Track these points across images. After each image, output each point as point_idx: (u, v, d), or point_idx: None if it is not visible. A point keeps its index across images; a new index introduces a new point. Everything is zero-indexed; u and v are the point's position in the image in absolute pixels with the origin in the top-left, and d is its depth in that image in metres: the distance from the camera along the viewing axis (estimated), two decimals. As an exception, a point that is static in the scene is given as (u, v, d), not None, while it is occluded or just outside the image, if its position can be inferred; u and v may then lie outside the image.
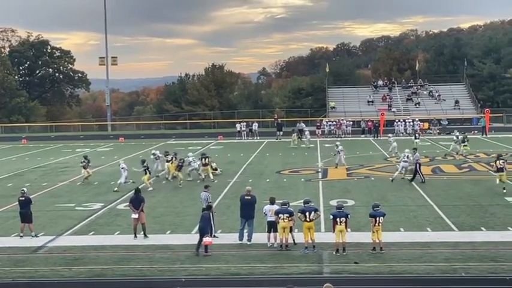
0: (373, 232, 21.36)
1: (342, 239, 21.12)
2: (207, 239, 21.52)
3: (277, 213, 22.03)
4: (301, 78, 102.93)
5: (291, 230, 22.14)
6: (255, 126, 68.15)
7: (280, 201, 23.07)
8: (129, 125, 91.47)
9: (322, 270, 19.69)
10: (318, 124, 68.11)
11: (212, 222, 23.01)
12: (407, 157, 36.21)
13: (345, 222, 21.20)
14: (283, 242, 21.89)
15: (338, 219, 21.19)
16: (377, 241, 21.30)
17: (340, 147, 42.41)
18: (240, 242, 22.85)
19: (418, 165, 35.18)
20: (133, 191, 25.09)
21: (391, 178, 35.93)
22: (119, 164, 36.41)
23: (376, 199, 27.58)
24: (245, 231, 23.00)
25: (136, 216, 23.89)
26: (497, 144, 53.43)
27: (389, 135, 51.05)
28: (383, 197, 30.55)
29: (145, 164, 35.34)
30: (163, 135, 73.70)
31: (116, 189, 34.52)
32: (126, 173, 35.22)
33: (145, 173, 35.11)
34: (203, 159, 38.09)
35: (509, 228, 24.08)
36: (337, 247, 21.15)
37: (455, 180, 35.72)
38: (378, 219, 21.28)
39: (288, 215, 21.82)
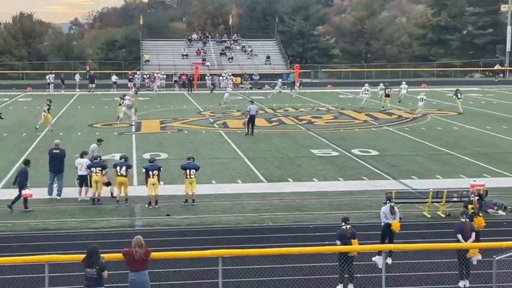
0: (186, 184, 21.60)
1: (154, 192, 21.18)
2: (26, 191, 20.75)
3: (89, 167, 21.64)
4: (114, 30, 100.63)
5: (109, 184, 21.86)
6: (114, 78, 65.91)
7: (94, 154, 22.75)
8: None
9: (134, 223, 19.71)
10: (131, 77, 67.28)
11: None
12: (367, 90, 48.48)
13: (158, 175, 21.23)
14: (96, 196, 21.58)
15: (150, 173, 21.18)
16: (190, 193, 21.58)
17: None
18: (50, 196, 22.24)
19: (252, 117, 36.13)
20: None
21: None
22: None
23: (189, 152, 27.83)
24: (55, 185, 22.41)
25: None
26: (305, 99, 55.61)
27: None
28: (196, 150, 30.88)
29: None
30: (-34, 86, 69.41)
31: None
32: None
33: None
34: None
35: (314, 179, 25.29)
36: (150, 200, 21.20)
37: (265, 133, 36.84)
38: (189, 171, 21.50)
39: (100, 169, 21.49)
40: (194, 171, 21.61)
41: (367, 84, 50.65)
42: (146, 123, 40.68)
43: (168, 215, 20.33)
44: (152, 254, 12.53)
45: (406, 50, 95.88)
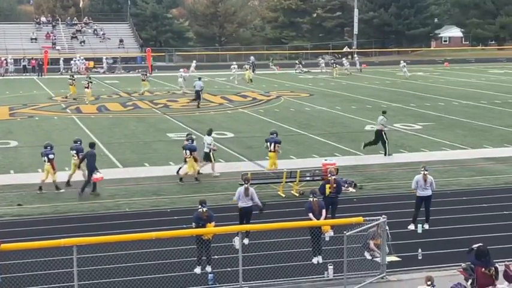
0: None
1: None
2: (97, 175, 20.50)
3: None
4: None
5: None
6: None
7: None
8: None
9: (-17, 215, 18.88)
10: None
11: None
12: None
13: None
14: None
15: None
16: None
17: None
18: None
19: (196, 92, 39.62)
20: None
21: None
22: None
23: (41, 139, 27.01)
24: None
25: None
26: (160, 83, 55.25)
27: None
28: (48, 137, 29.85)
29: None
30: None
31: None
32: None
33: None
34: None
35: (171, 163, 25.17)
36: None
37: (121, 118, 36.31)
38: (184, 152, 22.15)
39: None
40: (189, 152, 22.07)
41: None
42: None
43: (19, 204, 19.62)
44: (2, 245, 12.06)
45: (259, 33, 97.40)
